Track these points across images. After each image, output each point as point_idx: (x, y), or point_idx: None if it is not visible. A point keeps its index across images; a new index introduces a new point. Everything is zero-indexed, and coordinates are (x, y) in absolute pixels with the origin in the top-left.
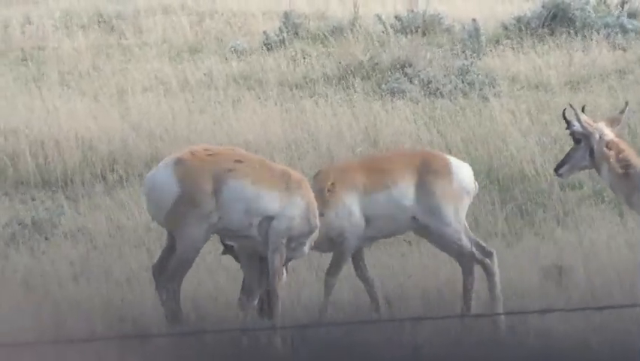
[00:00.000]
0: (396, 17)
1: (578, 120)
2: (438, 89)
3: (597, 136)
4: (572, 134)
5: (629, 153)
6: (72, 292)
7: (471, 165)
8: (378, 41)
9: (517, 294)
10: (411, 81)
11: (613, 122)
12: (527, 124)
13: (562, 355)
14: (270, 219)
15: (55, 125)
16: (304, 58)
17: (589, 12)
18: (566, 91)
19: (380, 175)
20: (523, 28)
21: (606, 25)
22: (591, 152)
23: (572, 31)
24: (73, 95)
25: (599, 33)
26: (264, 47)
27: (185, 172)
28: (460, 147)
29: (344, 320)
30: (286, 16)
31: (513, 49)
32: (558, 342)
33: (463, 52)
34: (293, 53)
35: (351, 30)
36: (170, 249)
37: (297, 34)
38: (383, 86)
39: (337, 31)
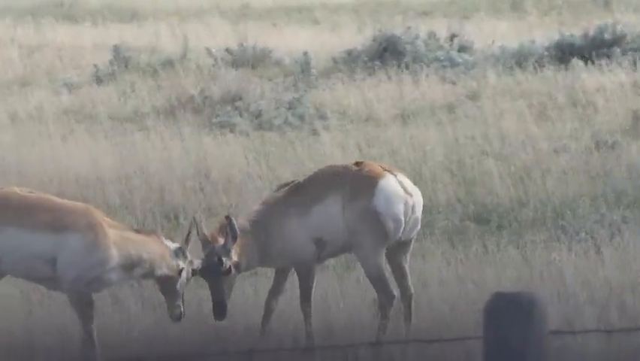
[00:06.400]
0: (226, 50)
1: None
2: (268, 122)
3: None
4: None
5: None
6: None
7: None
8: (209, 74)
9: (349, 326)
10: (241, 115)
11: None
12: (357, 157)
13: None
14: None
15: None
16: (134, 91)
17: (419, 46)
18: (396, 124)
19: None
20: (354, 62)
21: (436, 59)
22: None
23: (402, 65)
24: None
25: (429, 67)
26: (95, 81)
27: None
28: None
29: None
30: (116, 49)
31: (343, 82)
32: None
33: (294, 85)
34: (123, 87)
35: (182, 63)
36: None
37: (127, 67)
38: (214, 119)
39: (168, 64)
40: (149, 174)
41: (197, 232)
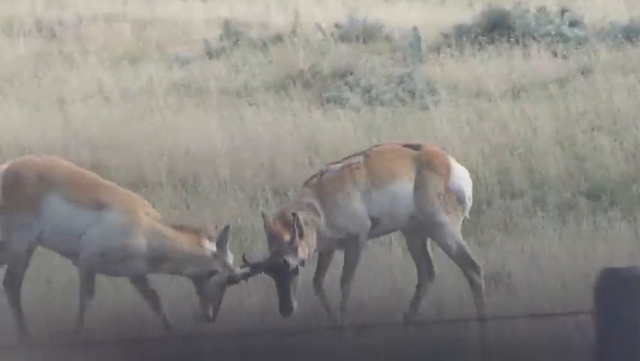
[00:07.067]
0: (336, 25)
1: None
2: (378, 97)
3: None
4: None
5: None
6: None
7: None
8: (319, 49)
9: (459, 301)
10: (351, 90)
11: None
12: (468, 132)
13: None
14: None
15: None
16: (245, 66)
17: (529, 20)
18: (507, 99)
19: None
20: (464, 37)
21: (547, 34)
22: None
23: (512, 40)
24: (13, 103)
25: (539, 41)
26: (205, 55)
27: None
28: None
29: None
30: (227, 24)
31: (453, 57)
32: (500, 349)
33: (404, 60)
34: (234, 61)
35: (292, 38)
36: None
37: (237, 42)
38: (323, 94)
39: (278, 39)
40: (259, 148)
41: (265, 228)
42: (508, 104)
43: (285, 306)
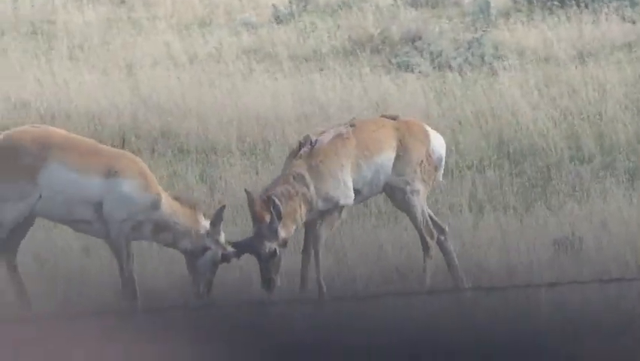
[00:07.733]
0: None
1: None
2: (447, 62)
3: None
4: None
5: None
6: (83, 265)
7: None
8: (388, 14)
9: (529, 267)
10: (421, 55)
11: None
12: (537, 97)
13: (574, 328)
14: None
15: (65, 99)
16: (313, 31)
17: None
18: (576, 64)
19: None
20: (534, 2)
21: None
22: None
23: (581, 4)
24: (83, 69)
25: (608, 6)
26: (274, 21)
27: None
28: (471, 121)
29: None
30: None
31: (523, 22)
32: (570, 315)
33: (473, 25)
34: (302, 27)
35: (361, 3)
36: None
37: (306, 7)
38: (393, 59)
39: (346, 4)
40: (329, 113)
41: (249, 207)
42: (577, 69)
43: (266, 284)
